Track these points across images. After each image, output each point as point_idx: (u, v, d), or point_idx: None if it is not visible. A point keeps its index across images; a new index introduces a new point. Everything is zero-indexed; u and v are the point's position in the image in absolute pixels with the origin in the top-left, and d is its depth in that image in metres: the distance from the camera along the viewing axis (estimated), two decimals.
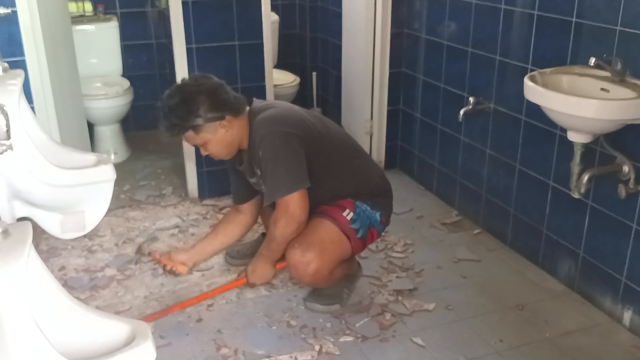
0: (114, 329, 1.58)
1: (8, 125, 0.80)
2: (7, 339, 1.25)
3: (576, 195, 2.21)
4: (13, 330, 1.27)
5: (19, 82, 1.79)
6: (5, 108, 0.83)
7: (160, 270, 2.49)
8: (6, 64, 1.82)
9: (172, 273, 2.30)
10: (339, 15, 3.80)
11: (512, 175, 2.66)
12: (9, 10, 1.82)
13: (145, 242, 2.73)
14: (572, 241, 2.38)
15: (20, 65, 2.48)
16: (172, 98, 2.03)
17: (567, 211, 2.38)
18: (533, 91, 2.07)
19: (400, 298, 2.38)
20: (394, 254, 2.69)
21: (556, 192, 2.43)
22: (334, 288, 2.32)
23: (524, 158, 2.59)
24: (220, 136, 2.07)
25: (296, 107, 2.24)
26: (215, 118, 2.03)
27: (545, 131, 2.42)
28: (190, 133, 2.06)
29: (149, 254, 2.63)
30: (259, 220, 2.51)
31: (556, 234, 2.47)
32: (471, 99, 2.78)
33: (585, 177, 2.13)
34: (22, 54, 2.49)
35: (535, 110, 2.32)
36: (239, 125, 2.11)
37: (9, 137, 0.84)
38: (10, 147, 1.27)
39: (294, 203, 2.05)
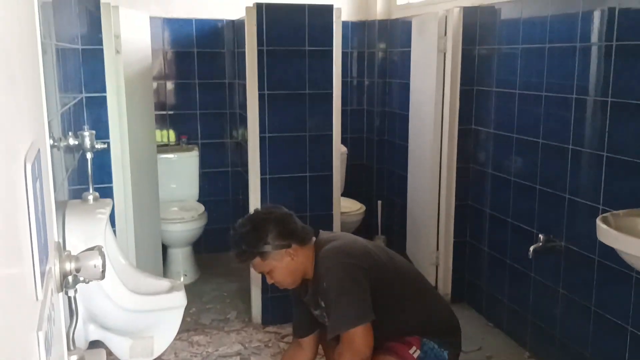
0: None
1: (104, 266, 0.87)
2: None
3: None
4: None
5: (107, 210, 1.92)
6: (102, 249, 0.91)
7: None
8: (97, 194, 1.97)
9: None
10: (405, 149, 3.93)
11: (588, 317, 2.54)
12: (105, 145, 2.00)
13: None
14: None
15: (108, 191, 2.66)
16: (243, 226, 2.14)
17: None
18: (606, 234, 2.03)
19: None
20: None
21: (635, 339, 2.29)
22: None
23: (599, 300, 2.48)
24: (286, 264, 2.12)
25: (361, 240, 2.27)
26: (282, 246, 2.10)
27: (620, 273, 2.33)
28: (257, 260, 2.12)
29: None
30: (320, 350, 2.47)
31: None
32: (541, 236, 2.74)
33: None
34: (110, 181, 2.69)
35: (609, 251, 2.26)
36: (305, 255, 2.15)
37: (103, 277, 0.91)
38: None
39: (359, 338, 2.02)
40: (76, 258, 0.88)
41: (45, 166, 0.81)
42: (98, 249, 0.90)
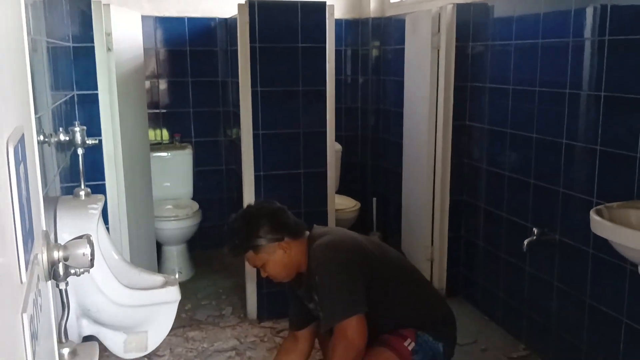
0: None
1: (93, 254, 0.87)
2: None
3: None
4: None
5: (99, 206, 1.92)
6: (91, 238, 0.91)
7: None
8: (89, 189, 1.97)
9: None
10: (399, 146, 3.93)
11: (583, 309, 2.54)
12: (96, 141, 2.00)
13: None
14: None
15: (100, 188, 2.66)
16: (236, 221, 2.16)
17: None
18: (600, 226, 2.04)
19: None
20: None
21: (630, 330, 2.30)
22: None
23: (593, 292, 2.49)
24: (279, 257, 2.13)
25: (354, 234, 2.28)
26: (275, 239, 2.11)
27: (614, 265, 2.34)
28: (250, 253, 2.14)
29: None
30: (317, 345, 2.47)
31: None
32: (535, 230, 2.75)
33: None
34: (102, 178, 2.68)
35: (603, 244, 2.27)
36: (298, 249, 2.16)
37: (92, 266, 0.90)
38: (87, 270, 1.35)
39: (352, 329, 2.02)
40: (64, 247, 0.87)
41: (32, 153, 0.80)
42: (86, 237, 0.90)
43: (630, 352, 2.31)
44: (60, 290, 1.34)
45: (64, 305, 1.36)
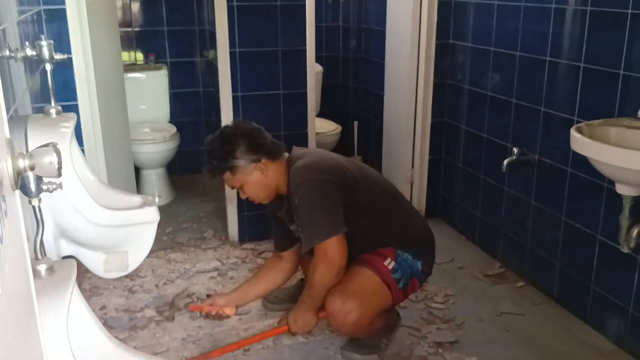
0: None
1: (60, 163, 0.83)
2: None
3: (625, 250, 2.14)
4: None
5: (71, 124, 1.86)
6: (57, 146, 0.86)
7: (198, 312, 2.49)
8: (60, 107, 1.90)
9: (218, 317, 2.26)
10: (381, 67, 3.85)
11: (558, 227, 2.59)
12: (65, 56, 1.91)
13: (177, 297, 2.56)
14: (621, 297, 2.29)
15: (73, 109, 2.58)
16: (212, 142, 2.14)
17: (616, 266, 2.30)
18: (580, 143, 2.04)
19: (440, 350, 2.31)
20: (435, 305, 2.63)
21: (604, 246, 2.35)
22: (373, 338, 2.27)
23: (570, 210, 2.53)
24: (256, 178, 2.11)
25: (334, 155, 2.26)
26: (252, 160, 2.09)
27: (592, 183, 2.36)
28: (228, 174, 2.12)
29: (186, 306, 2.49)
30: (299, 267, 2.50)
31: (604, 289, 2.38)
32: (515, 150, 2.76)
33: (635, 231, 2.07)
34: (75, 98, 2.60)
35: (582, 162, 2.28)
36: (276, 170, 2.14)
37: (60, 175, 0.87)
38: (60, 186, 1.31)
39: (332, 248, 2.04)
40: (30, 155, 0.83)
41: None
42: (52, 145, 0.85)
43: (603, 267, 2.38)
44: (34, 207, 1.31)
45: (38, 221, 1.33)
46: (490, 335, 2.42)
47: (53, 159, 0.85)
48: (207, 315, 2.26)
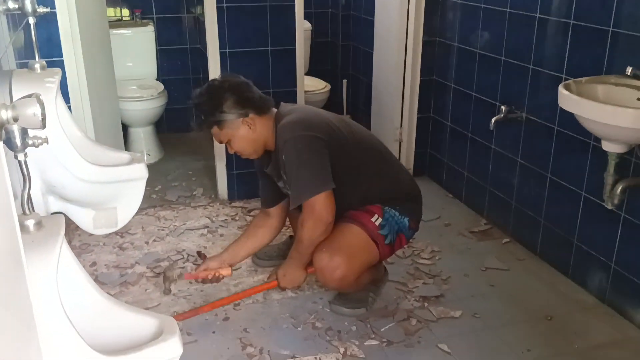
0: (142, 323, 1.60)
1: (44, 115, 0.83)
2: (38, 328, 1.28)
3: (609, 206, 2.18)
4: (44, 320, 1.30)
5: (56, 79, 1.83)
6: (40, 97, 0.86)
7: (189, 268, 2.52)
8: (44, 62, 1.87)
9: (215, 280, 2.27)
10: (371, 24, 3.81)
11: (544, 185, 2.62)
12: (47, 9, 1.87)
13: (168, 269, 2.42)
14: (604, 253, 2.34)
15: (58, 65, 2.54)
16: (200, 95, 2.12)
17: (599, 222, 2.34)
18: (568, 100, 2.04)
19: (426, 304, 2.36)
20: (421, 261, 2.68)
21: (588, 203, 2.39)
22: (360, 292, 2.32)
23: (556, 168, 2.55)
24: (243, 133, 2.11)
25: (321, 111, 2.25)
26: (239, 114, 2.08)
27: (578, 141, 2.38)
28: (215, 129, 2.12)
29: (179, 276, 2.38)
30: (287, 223, 2.52)
31: (587, 245, 2.42)
32: (503, 108, 2.76)
33: (619, 188, 2.10)
34: (60, 54, 2.56)
35: (569, 120, 2.29)
36: (264, 125, 2.13)
37: (44, 127, 0.86)
38: (45, 141, 1.31)
39: (320, 204, 2.05)
40: (12, 106, 0.82)
41: None
42: (36, 96, 0.85)
43: (587, 224, 2.42)
44: (20, 162, 1.31)
45: (25, 176, 1.33)
46: (474, 289, 2.48)
47: (36, 110, 0.84)
48: (204, 281, 2.28)
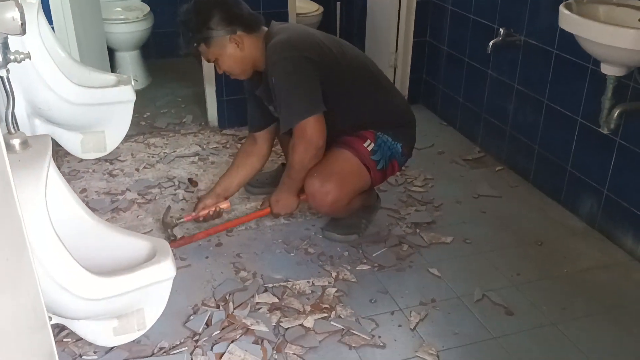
0: (135, 245, 1.60)
1: (23, 19, 0.77)
2: (30, 248, 1.27)
3: (605, 131, 2.16)
4: (36, 241, 1.29)
5: None
6: (19, 1, 0.80)
7: (181, 195, 2.51)
8: None
9: (217, 216, 2.25)
10: None
11: (539, 111, 2.59)
12: None
13: (165, 216, 2.29)
14: (597, 179, 2.34)
15: None
16: (187, 12, 2.04)
17: (594, 148, 2.33)
18: (568, 19, 1.98)
19: (418, 230, 2.37)
20: (414, 188, 2.67)
21: (584, 129, 2.37)
22: (353, 218, 2.32)
23: (552, 93, 2.51)
24: (231, 51, 2.04)
25: (313, 31, 2.17)
26: (227, 32, 2.01)
27: (577, 65, 2.33)
28: (202, 47, 2.05)
29: (179, 219, 2.27)
30: (280, 151, 2.48)
31: (581, 171, 2.42)
32: (501, 30, 2.68)
33: (616, 112, 2.07)
34: None
35: (568, 43, 2.24)
36: (253, 44, 2.06)
37: (24, 32, 0.81)
38: (28, 56, 1.25)
39: (311, 128, 2.01)
40: None
41: None
42: (15, 1, 0.79)
43: (581, 150, 2.41)
44: (2, 78, 1.26)
45: (8, 94, 1.28)
46: (466, 216, 2.49)
47: (15, 14, 0.79)
48: (206, 219, 2.25)
